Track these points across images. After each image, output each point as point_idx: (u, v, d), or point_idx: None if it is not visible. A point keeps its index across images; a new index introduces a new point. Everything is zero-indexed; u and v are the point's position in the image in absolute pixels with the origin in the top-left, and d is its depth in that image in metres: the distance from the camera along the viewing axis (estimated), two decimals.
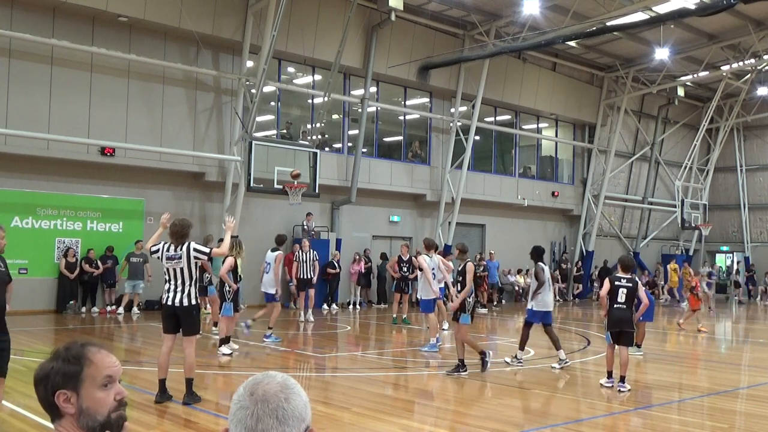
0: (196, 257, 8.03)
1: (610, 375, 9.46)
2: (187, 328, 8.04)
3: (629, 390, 9.11)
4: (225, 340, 11.64)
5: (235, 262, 11.96)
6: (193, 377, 7.98)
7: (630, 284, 9.38)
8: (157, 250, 8.21)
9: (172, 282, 8.04)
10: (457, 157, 24.57)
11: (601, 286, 10.96)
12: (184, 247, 8.04)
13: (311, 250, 17.18)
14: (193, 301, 8.03)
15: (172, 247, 8.10)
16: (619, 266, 9.77)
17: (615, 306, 9.32)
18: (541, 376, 10.54)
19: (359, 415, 7.54)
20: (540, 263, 11.16)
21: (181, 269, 7.99)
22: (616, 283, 9.41)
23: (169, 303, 8.01)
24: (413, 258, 18.86)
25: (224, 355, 11.45)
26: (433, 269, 13.28)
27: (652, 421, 7.92)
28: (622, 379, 9.17)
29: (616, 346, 9.37)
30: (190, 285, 8.01)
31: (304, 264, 16.97)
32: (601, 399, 9.03)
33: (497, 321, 19.93)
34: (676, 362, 12.61)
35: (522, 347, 11.25)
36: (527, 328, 11.23)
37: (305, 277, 16.99)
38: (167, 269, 8.08)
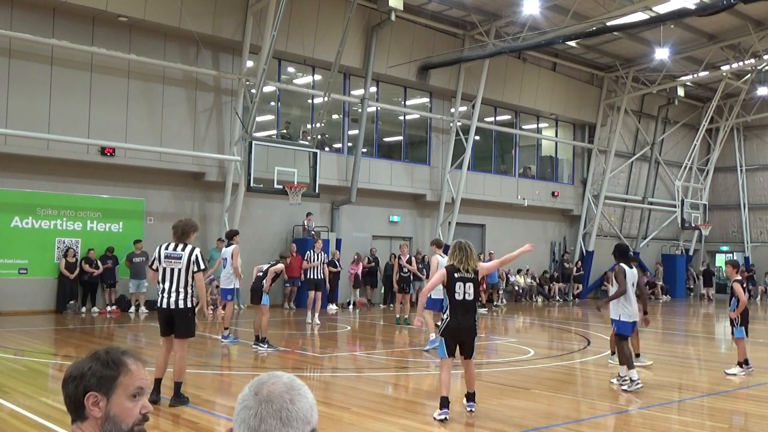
0: (195, 262, 7.76)
1: (742, 365, 10.65)
2: (181, 330, 7.81)
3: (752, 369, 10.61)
4: (471, 396, 7.78)
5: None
6: (182, 380, 7.75)
7: (746, 283, 11.17)
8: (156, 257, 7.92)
9: (167, 282, 7.77)
10: (457, 157, 24.58)
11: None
12: (187, 249, 7.78)
13: (322, 252, 17.14)
14: (189, 304, 7.78)
15: (172, 246, 7.85)
16: (735, 269, 11.04)
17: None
18: (541, 376, 10.54)
19: (359, 415, 7.54)
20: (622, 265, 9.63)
21: (179, 270, 7.73)
22: (743, 285, 10.85)
23: (164, 305, 7.78)
24: (413, 258, 18.91)
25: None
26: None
27: (652, 421, 7.92)
28: (747, 361, 10.65)
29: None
30: (186, 287, 7.76)
31: (315, 265, 16.95)
32: (601, 399, 9.04)
33: (497, 321, 19.93)
34: (676, 362, 12.60)
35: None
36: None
37: (316, 278, 16.86)
38: (164, 269, 7.80)
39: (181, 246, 7.83)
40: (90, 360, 2.10)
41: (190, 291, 7.81)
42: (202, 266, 7.84)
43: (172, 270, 7.77)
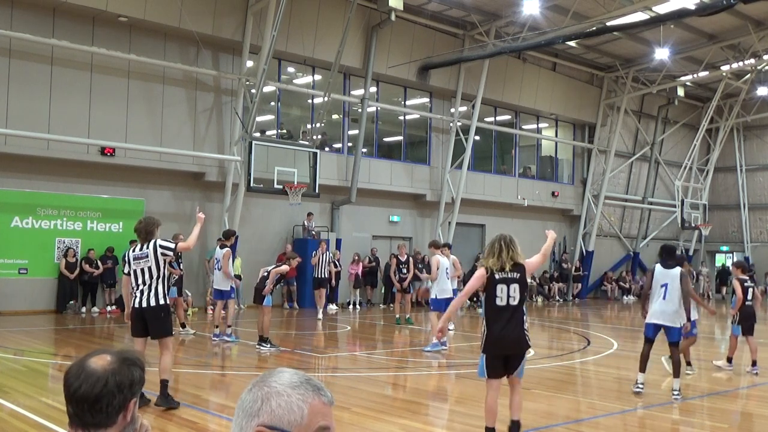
0: (163, 254, 7.72)
1: (730, 360, 10.96)
2: (157, 330, 7.70)
3: (757, 373, 10.60)
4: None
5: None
6: (167, 379, 7.60)
7: (753, 283, 11.28)
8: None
9: (140, 283, 7.72)
10: (457, 157, 24.58)
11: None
12: (150, 245, 7.74)
13: (327, 252, 18.40)
14: (161, 301, 7.68)
15: (138, 247, 7.84)
16: (740, 269, 11.27)
17: (746, 303, 10.91)
18: (541, 376, 10.54)
19: (359, 415, 7.54)
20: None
21: (149, 268, 7.69)
22: (746, 284, 10.98)
23: (137, 305, 7.70)
24: (410, 258, 18.93)
25: None
26: (446, 269, 13.32)
27: (652, 421, 7.93)
28: (754, 363, 10.71)
29: (740, 337, 10.97)
30: (157, 284, 7.69)
31: (320, 264, 18.09)
32: (601, 399, 9.04)
33: None
34: None
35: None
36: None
37: (321, 276, 18.19)
38: (134, 270, 7.77)
39: (146, 245, 7.80)
40: (131, 366, 2.06)
41: (161, 288, 7.73)
42: (171, 246, 7.83)
43: (143, 269, 7.74)
